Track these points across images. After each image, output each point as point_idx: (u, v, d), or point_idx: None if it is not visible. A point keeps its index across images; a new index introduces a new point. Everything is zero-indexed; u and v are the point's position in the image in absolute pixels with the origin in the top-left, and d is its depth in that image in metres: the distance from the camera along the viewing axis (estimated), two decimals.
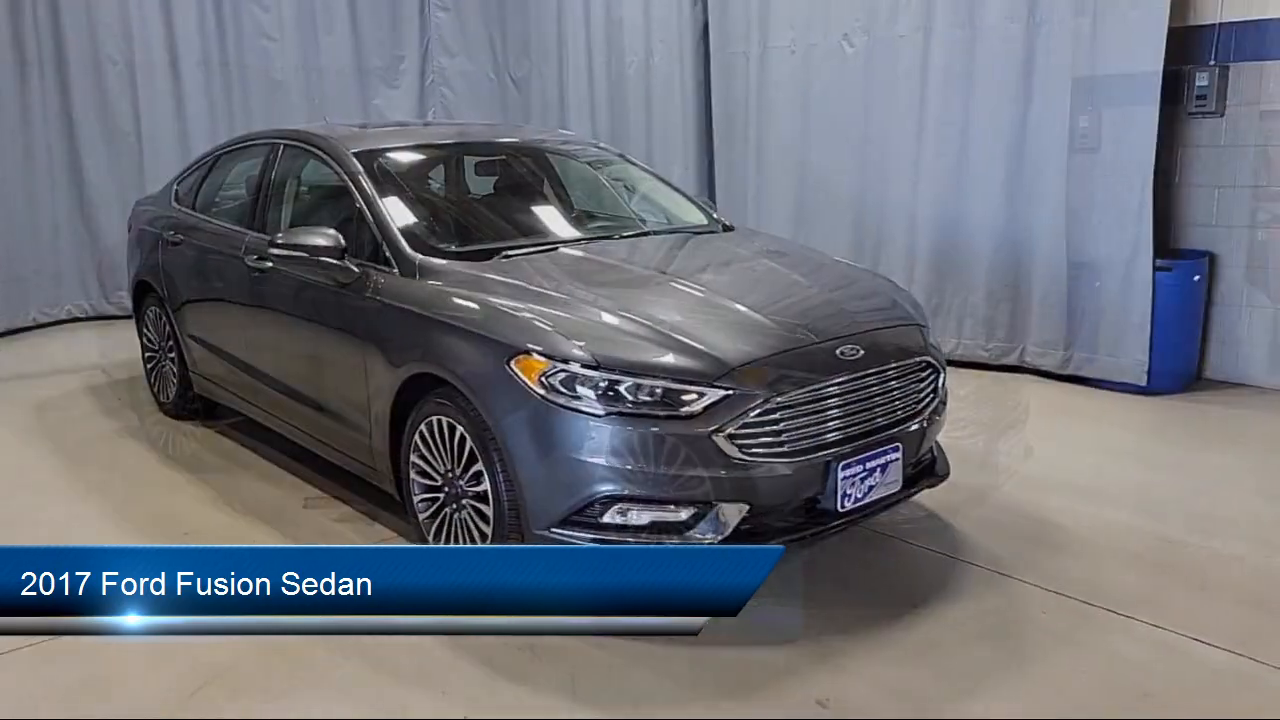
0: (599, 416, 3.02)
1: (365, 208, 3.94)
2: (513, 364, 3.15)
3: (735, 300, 3.46)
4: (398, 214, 3.90)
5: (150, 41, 8.17)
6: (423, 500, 3.58)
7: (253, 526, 4.15)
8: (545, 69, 9.23)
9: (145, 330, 5.66)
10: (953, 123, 6.11)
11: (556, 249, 3.90)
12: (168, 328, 5.36)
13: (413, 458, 3.58)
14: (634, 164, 4.93)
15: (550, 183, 4.72)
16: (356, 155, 4.18)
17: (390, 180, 4.09)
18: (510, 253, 3.81)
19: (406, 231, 3.82)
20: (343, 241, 3.81)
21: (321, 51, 9.11)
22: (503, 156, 4.76)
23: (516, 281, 3.53)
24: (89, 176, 8.07)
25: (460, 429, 3.32)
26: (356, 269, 3.81)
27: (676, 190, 4.83)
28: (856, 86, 6.62)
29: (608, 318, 3.27)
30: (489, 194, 4.57)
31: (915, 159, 6.34)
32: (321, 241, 3.79)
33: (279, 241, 3.84)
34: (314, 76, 9.10)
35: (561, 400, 3.06)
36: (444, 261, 3.69)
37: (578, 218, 4.49)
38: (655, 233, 4.31)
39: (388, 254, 3.78)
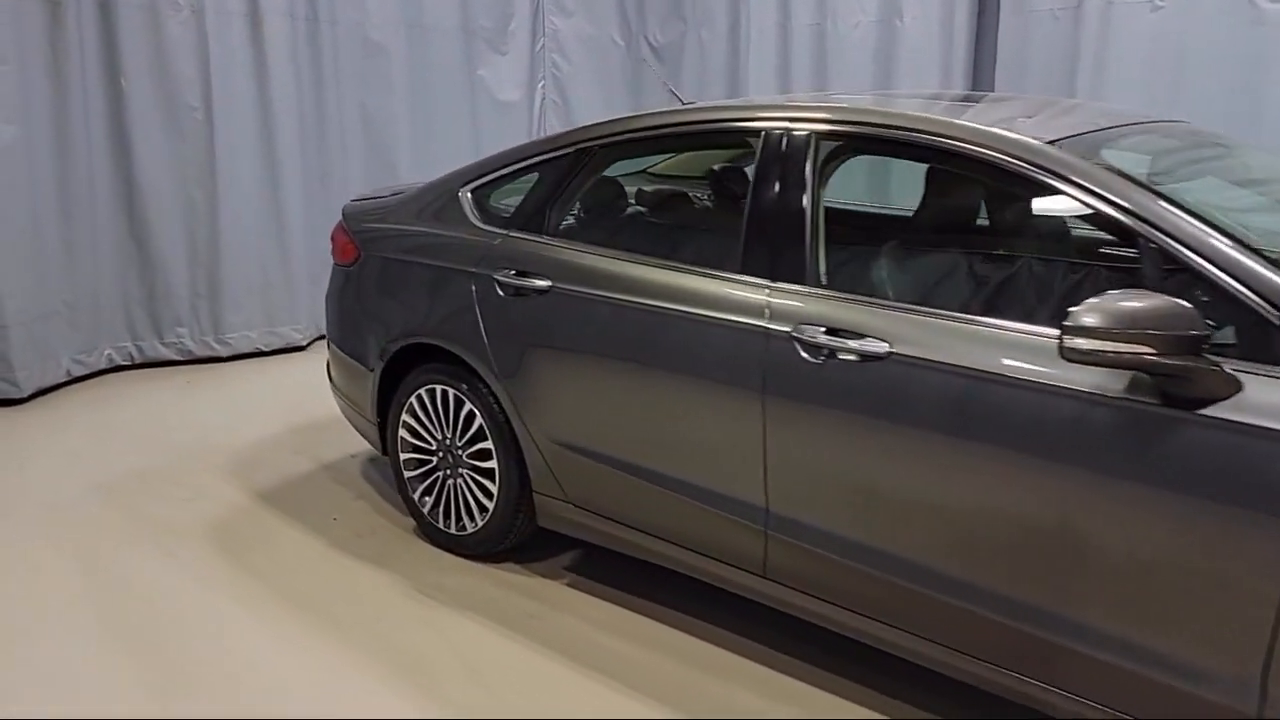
0: None
1: (1207, 262, 2.07)
2: None
3: None
4: None
5: None
6: None
7: None
8: (707, 33, 7.31)
9: (414, 419, 3.56)
10: None
11: None
12: (481, 422, 3.31)
13: None
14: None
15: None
16: (1104, 166, 2.30)
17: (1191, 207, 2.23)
18: None
19: None
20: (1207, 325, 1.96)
21: (425, 6, 6.93)
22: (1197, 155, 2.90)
23: None
24: (140, 166, 5.72)
25: None
26: (1238, 376, 1.96)
27: None
28: None
29: None
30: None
31: None
32: (1183, 325, 1.92)
33: (1097, 325, 1.94)
34: (416, 36, 6.92)
35: None
36: None
37: None
38: None
39: None
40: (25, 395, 5.26)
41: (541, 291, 3.08)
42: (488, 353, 3.22)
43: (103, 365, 5.83)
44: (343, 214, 3.97)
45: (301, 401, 5.32)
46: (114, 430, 4.86)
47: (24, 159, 5.15)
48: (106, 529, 3.75)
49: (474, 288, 3.26)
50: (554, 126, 7.91)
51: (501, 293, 3.18)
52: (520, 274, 3.15)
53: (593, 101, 7.88)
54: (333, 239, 3.95)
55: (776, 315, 2.57)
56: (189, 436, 4.78)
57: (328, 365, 4.16)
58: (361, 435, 3.92)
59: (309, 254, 6.47)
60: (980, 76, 6.22)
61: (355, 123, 6.70)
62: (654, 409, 2.84)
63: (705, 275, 2.77)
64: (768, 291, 2.62)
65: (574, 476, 3.11)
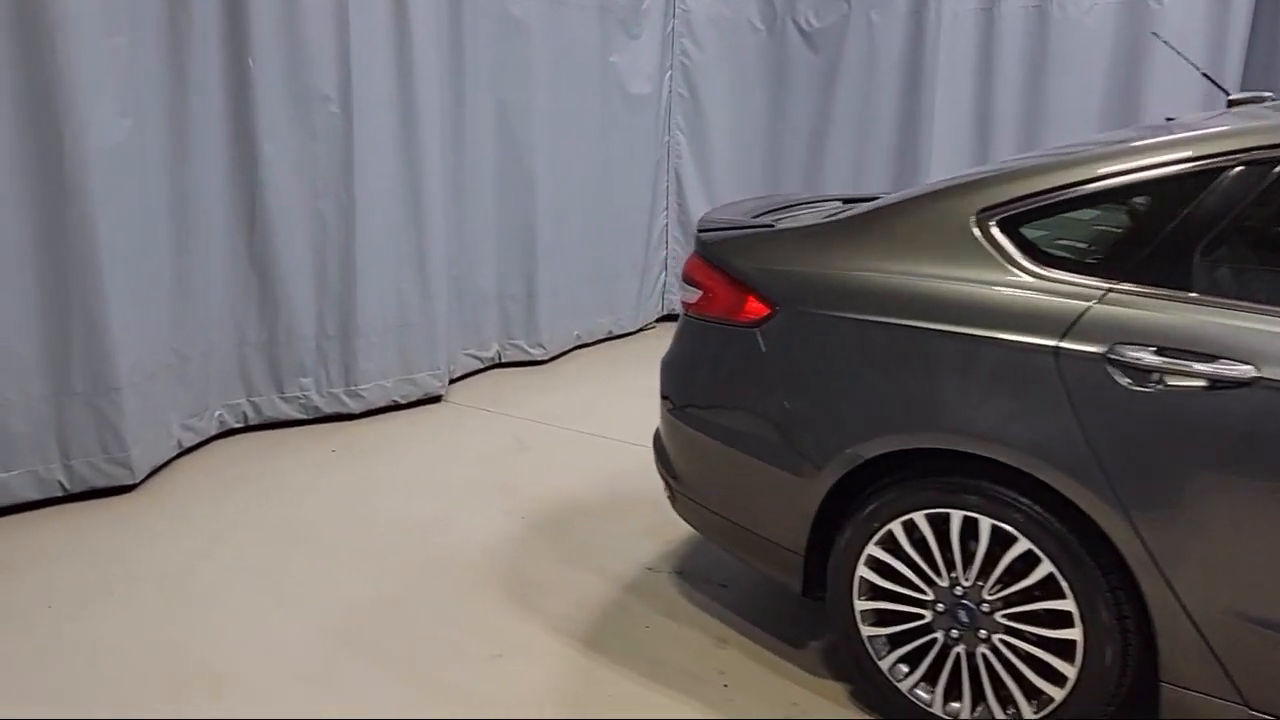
0: None
1: None
2: None
3: None
4: None
5: None
6: None
7: None
8: (880, 16, 6.29)
9: (892, 553, 2.44)
10: None
11: None
12: (1052, 571, 2.21)
13: None
14: None
15: None
16: None
17: None
18: None
19: None
20: None
21: None
22: None
23: None
24: (266, 172, 4.43)
25: None
26: None
27: None
28: None
29: None
30: None
31: None
32: None
33: None
34: (556, 13, 5.73)
35: None
36: None
37: None
38: None
39: None
40: (139, 479, 3.95)
41: (1234, 384, 1.99)
42: (1097, 472, 2.11)
43: (213, 430, 4.52)
44: (707, 246, 2.81)
45: (499, 477, 4.13)
46: (283, 529, 3.59)
47: (137, 163, 3.84)
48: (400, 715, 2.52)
49: (1059, 371, 2.16)
50: (680, 124, 6.78)
51: (1128, 382, 2.08)
52: (1164, 351, 2.06)
53: (724, 96, 6.79)
54: (698, 283, 2.79)
55: None
56: (397, 539, 3.55)
57: (660, 449, 3.02)
58: (751, 563, 2.77)
59: (448, 282, 5.25)
60: (1253, 68, 5.34)
61: (490, 119, 5.49)
62: None
63: None
64: None
65: (1272, 669, 2.03)
